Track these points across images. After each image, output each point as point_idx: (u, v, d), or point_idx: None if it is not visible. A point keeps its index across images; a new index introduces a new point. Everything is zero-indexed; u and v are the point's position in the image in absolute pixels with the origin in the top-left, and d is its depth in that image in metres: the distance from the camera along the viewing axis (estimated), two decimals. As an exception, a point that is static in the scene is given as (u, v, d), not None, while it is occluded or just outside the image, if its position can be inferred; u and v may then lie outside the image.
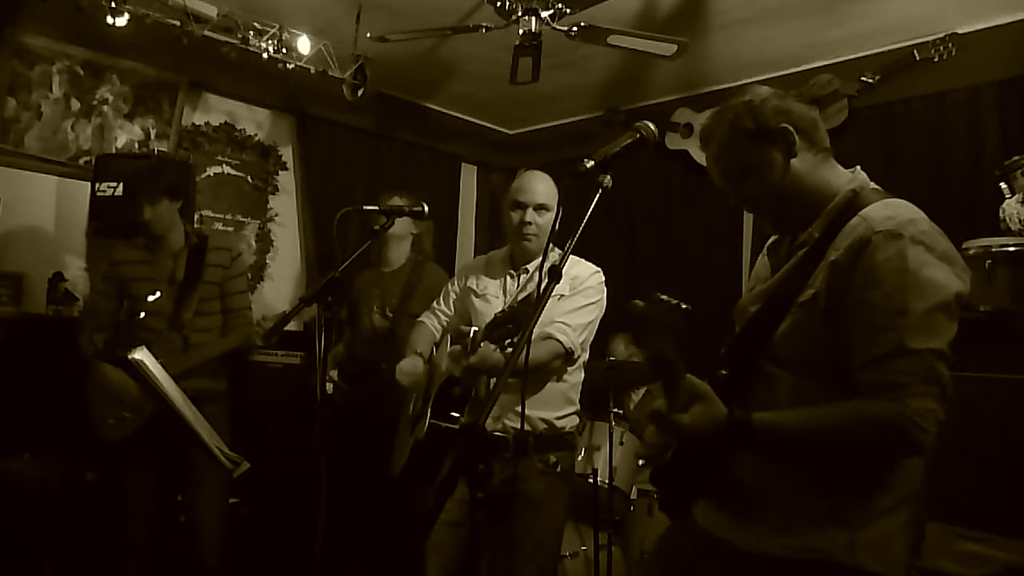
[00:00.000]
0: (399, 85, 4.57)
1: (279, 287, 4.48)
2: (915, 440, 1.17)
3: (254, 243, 4.37)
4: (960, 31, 3.41)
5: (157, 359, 2.13)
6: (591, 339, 2.32)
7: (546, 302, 1.32)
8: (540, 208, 2.27)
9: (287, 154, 4.52)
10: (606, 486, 3.13)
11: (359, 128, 4.68)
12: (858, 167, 1.44)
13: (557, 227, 1.88)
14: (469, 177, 5.63)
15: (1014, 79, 3.29)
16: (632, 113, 4.71)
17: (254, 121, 4.37)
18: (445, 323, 2.52)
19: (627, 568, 3.19)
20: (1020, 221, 2.81)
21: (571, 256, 1.41)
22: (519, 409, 2.10)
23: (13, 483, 2.89)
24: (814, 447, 1.26)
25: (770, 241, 1.58)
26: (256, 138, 4.34)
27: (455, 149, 5.31)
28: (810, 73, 3.88)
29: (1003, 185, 2.92)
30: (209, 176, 4.17)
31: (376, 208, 2.52)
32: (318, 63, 3.70)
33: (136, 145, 3.83)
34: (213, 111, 4.20)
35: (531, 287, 2.27)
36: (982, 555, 2.46)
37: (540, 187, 2.28)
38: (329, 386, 3.17)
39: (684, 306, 1.18)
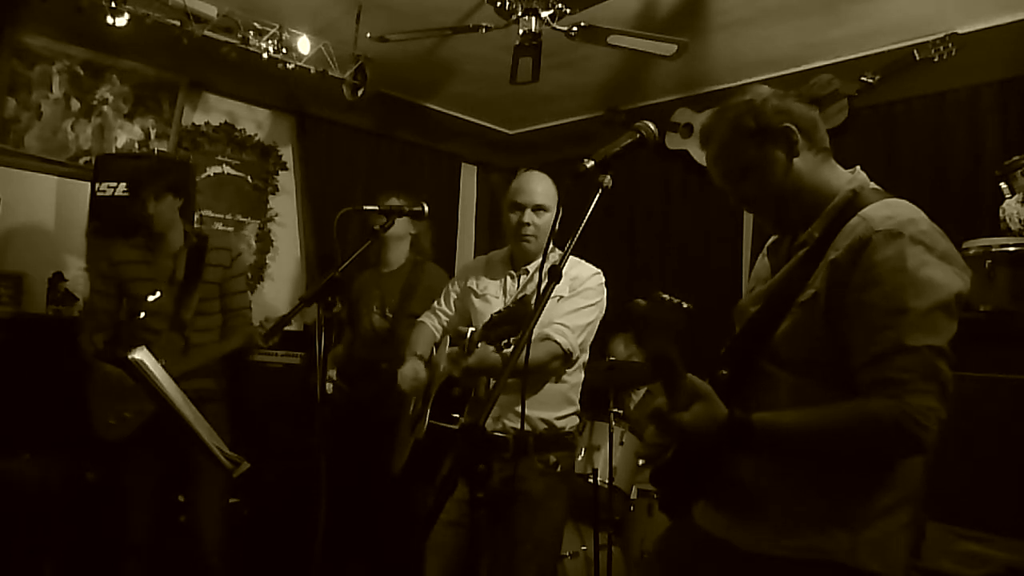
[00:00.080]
0: (399, 85, 4.57)
1: (279, 287, 4.48)
2: (916, 438, 1.17)
3: (254, 243, 4.37)
4: (960, 31, 3.41)
5: (157, 359, 2.13)
6: (591, 340, 2.32)
7: (546, 303, 1.32)
8: (538, 209, 2.27)
9: (287, 154, 4.52)
10: (606, 486, 3.13)
11: (359, 128, 4.68)
12: (858, 167, 1.44)
13: (557, 227, 1.88)
14: (469, 177, 5.63)
15: (1014, 79, 3.29)
16: (632, 113, 4.71)
17: (254, 121, 4.37)
18: (446, 323, 2.52)
19: (627, 568, 3.19)
20: (1020, 221, 2.81)
21: (571, 257, 1.41)
22: (519, 409, 2.11)
23: (13, 483, 2.89)
24: (815, 447, 1.26)
25: (770, 241, 1.58)
26: (256, 138, 4.35)
27: (455, 149, 5.31)
28: (810, 73, 3.88)
29: (1003, 185, 2.92)
30: (209, 176, 4.17)
31: (376, 208, 2.52)
32: (318, 63, 3.70)
33: (136, 145, 3.83)
34: (213, 111, 4.20)
35: (531, 288, 2.27)
36: (982, 555, 2.46)
37: (539, 188, 2.28)
38: (329, 386, 3.17)
39: (685, 305, 1.17)
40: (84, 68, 3.62)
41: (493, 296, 2.35)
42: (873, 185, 1.40)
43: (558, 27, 3.04)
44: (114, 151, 3.71)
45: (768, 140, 1.38)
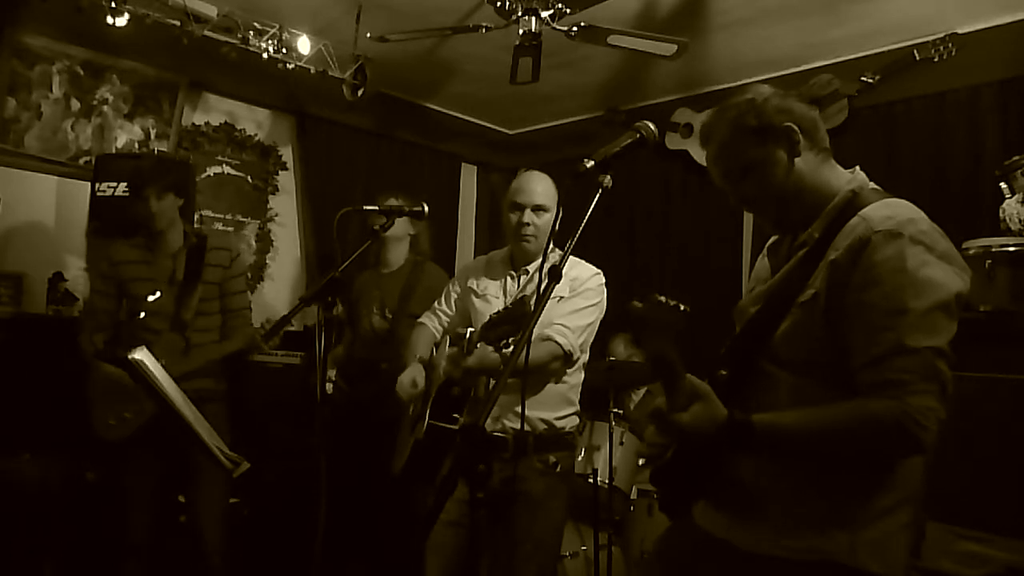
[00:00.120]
0: (399, 85, 4.57)
1: (279, 287, 4.48)
2: (916, 438, 1.17)
3: (254, 243, 4.37)
4: (960, 31, 3.41)
5: (157, 359, 2.13)
6: (591, 340, 2.32)
7: (545, 303, 1.32)
8: (538, 209, 2.26)
9: (287, 154, 4.52)
10: (606, 486, 3.13)
11: (359, 128, 4.68)
12: (857, 167, 1.44)
13: (557, 227, 1.88)
14: (469, 177, 5.63)
15: (1014, 79, 3.29)
16: (632, 113, 4.71)
17: (254, 121, 4.37)
18: (446, 323, 2.52)
19: (627, 568, 3.19)
20: (1020, 221, 2.81)
21: (571, 257, 1.41)
22: (519, 409, 2.11)
23: (13, 483, 2.89)
24: (815, 447, 1.26)
25: (770, 242, 1.58)
26: (256, 138, 4.35)
27: (455, 149, 5.31)
28: (810, 73, 3.88)
29: (1003, 185, 2.92)
30: (209, 176, 4.17)
31: (376, 208, 2.52)
32: (318, 63, 3.70)
33: (136, 145, 3.83)
34: (213, 111, 4.20)
35: (531, 288, 2.27)
36: (982, 555, 2.46)
37: (539, 188, 2.27)
38: (329, 386, 3.17)
39: (683, 307, 1.17)
40: (84, 68, 3.62)
41: (493, 296, 2.35)
42: (873, 185, 1.40)
43: (558, 27, 3.04)
44: (114, 151, 3.71)
45: (769, 139, 1.37)
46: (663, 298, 1.18)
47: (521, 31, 2.99)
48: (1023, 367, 2.55)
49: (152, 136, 3.88)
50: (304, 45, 3.62)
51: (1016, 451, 2.46)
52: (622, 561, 3.19)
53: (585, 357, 2.32)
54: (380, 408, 2.88)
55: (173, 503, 2.90)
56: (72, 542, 2.96)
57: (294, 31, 3.61)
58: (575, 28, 3.06)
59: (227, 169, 4.25)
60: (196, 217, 3.94)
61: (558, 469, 2.23)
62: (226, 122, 4.22)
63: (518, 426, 2.15)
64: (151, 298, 2.65)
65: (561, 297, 2.23)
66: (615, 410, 3.22)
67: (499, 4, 2.96)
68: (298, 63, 3.63)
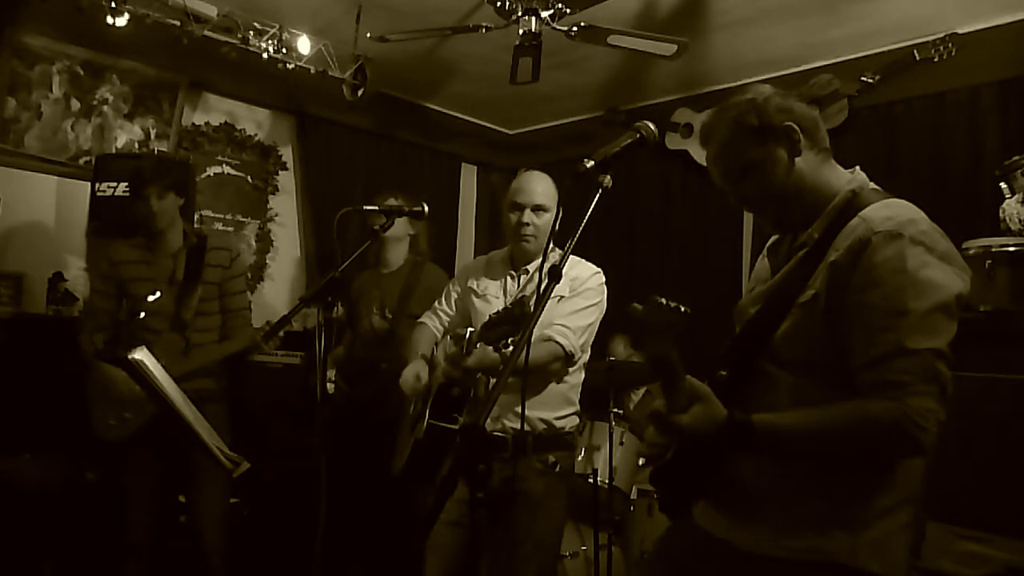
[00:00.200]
0: (399, 85, 4.57)
1: (279, 287, 4.48)
2: (916, 439, 1.17)
3: (254, 243, 4.37)
4: (960, 31, 3.41)
5: (158, 360, 2.13)
6: (591, 340, 2.32)
7: (546, 303, 1.32)
8: (538, 209, 2.26)
9: (287, 154, 4.52)
10: (606, 486, 3.13)
11: (359, 128, 4.68)
12: (857, 167, 1.44)
13: (557, 227, 1.88)
14: (469, 177, 5.63)
15: (1014, 79, 3.29)
16: (632, 113, 4.71)
17: (254, 121, 4.37)
18: (447, 323, 2.52)
19: (627, 568, 3.19)
20: (1020, 221, 2.81)
21: (571, 256, 1.41)
22: (518, 409, 2.11)
23: (13, 483, 2.89)
24: (814, 448, 1.26)
25: (770, 242, 1.58)
26: (256, 138, 4.35)
27: (455, 149, 5.31)
28: (810, 73, 3.88)
29: (1003, 185, 2.92)
30: (209, 176, 4.17)
31: (376, 208, 2.52)
32: (318, 63, 3.70)
33: (136, 145, 3.83)
34: (213, 111, 4.20)
35: (531, 288, 2.27)
36: (982, 555, 2.46)
37: (538, 188, 2.27)
38: (330, 386, 3.18)
39: (683, 308, 1.17)
40: (84, 68, 3.62)
41: (493, 296, 2.35)
42: (873, 185, 1.40)
43: (558, 27, 3.04)
44: (114, 151, 3.71)
45: (770, 139, 1.37)
46: (663, 300, 1.18)
47: (521, 31, 2.99)
48: (1023, 367, 2.55)
49: (152, 136, 3.88)
50: (304, 45, 3.62)
51: (1016, 451, 2.46)
52: (622, 561, 3.20)
53: (586, 357, 2.32)
54: (380, 408, 2.88)
55: (173, 503, 2.90)
56: (72, 542, 2.96)
57: (294, 31, 3.61)
58: (575, 28, 3.06)
59: (227, 169, 4.25)
60: (196, 217, 3.94)
61: (558, 469, 2.23)
62: (226, 122, 4.22)
63: (518, 426, 2.15)
64: (151, 298, 2.65)
65: (561, 297, 2.23)
66: (615, 410, 3.22)
67: (499, 4, 2.96)
68: (298, 63, 3.63)
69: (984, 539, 2.47)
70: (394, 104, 4.76)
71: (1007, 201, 2.89)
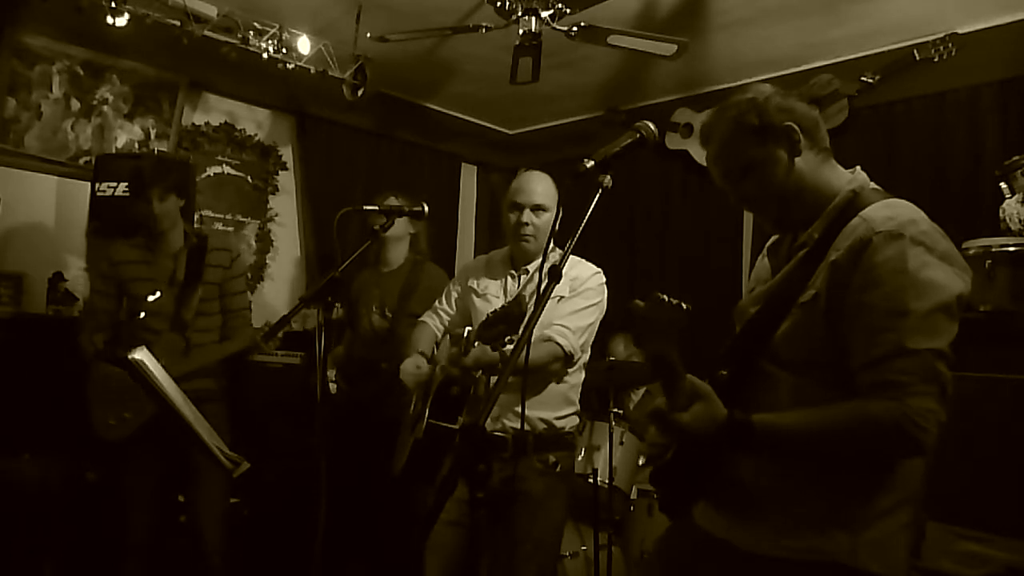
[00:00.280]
0: (399, 85, 4.57)
1: (279, 287, 4.48)
2: (916, 440, 1.17)
3: (254, 243, 4.37)
4: (960, 31, 3.41)
5: (158, 360, 2.13)
6: (591, 341, 2.32)
7: (545, 303, 1.32)
8: (537, 209, 2.26)
9: (287, 154, 4.52)
10: (606, 486, 3.13)
11: (359, 128, 4.68)
12: (858, 167, 1.44)
13: (557, 227, 1.88)
14: (469, 177, 5.63)
15: (1014, 79, 3.29)
16: (632, 113, 4.71)
17: (254, 121, 4.37)
18: (447, 322, 2.52)
19: (627, 568, 3.19)
20: (1020, 221, 2.81)
21: (571, 256, 1.41)
22: (518, 409, 2.11)
23: (13, 483, 2.89)
24: (815, 448, 1.26)
25: (770, 242, 1.58)
26: (256, 138, 4.35)
27: (455, 149, 5.31)
28: (810, 73, 3.88)
29: (1003, 185, 2.92)
30: (209, 176, 4.17)
31: (376, 208, 2.52)
32: (318, 63, 3.69)
33: (136, 145, 3.83)
34: (213, 111, 4.20)
35: (531, 288, 2.27)
36: (982, 555, 2.46)
37: (538, 188, 2.27)
38: (332, 386, 3.18)
39: (685, 306, 1.17)
40: (84, 68, 3.62)
41: (494, 296, 2.35)
42: (873, 185, 1.40)
43: (558, 27, 3.04)
44: (114, 151, 3.71)
45: (770, 139, 1.37)
46: (665, 297, 1.18)
47: (521, 31, 2.99)
48: (1023, 367, 2.55)
49: (152, 136, 3.88)
50: (304, 45, 3.62)
51: (1016, 451, 2.46)
52: (622, 561, 3.19)
53: (585, 357, 2.32)
54: (379, 408, 2.88)
55: (173, 503, 2.90)
56: (72, 542, 2.96)
57: (294, 31, 3.61)
58: (575, 28, 3.06)
59: (227, 169, 4.25)
60: (196, 217, 3.94)
61: (558, 469, 2.23)
62: (226, 122, 4.22)
63: (518, 426, 2.15)
64: (151, 298, 2.65)
65: (561, 297, 2.23)
66: (615, 410, 3.22)
67: (499, 4, 2.96)
68: (298, 63, 3.63)
69: (984, 539, 2.47)
70: (394, 104, 4.76)
71: (1007, 201, 2.89)
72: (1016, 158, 2.88)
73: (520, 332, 1.49)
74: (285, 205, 4.52)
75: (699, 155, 4.18)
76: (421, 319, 2.59)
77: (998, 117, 3.34)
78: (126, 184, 3.17)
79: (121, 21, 3.11)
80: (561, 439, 2.27)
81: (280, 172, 4.48)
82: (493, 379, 2.17)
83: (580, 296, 2.25)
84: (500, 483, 2.13)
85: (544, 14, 2.97)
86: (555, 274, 1.33)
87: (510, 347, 1.89)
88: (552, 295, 1.54)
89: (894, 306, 1.20)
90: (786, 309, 1.33)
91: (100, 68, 3.67)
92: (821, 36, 3.62)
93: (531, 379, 2.12)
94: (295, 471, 3.33)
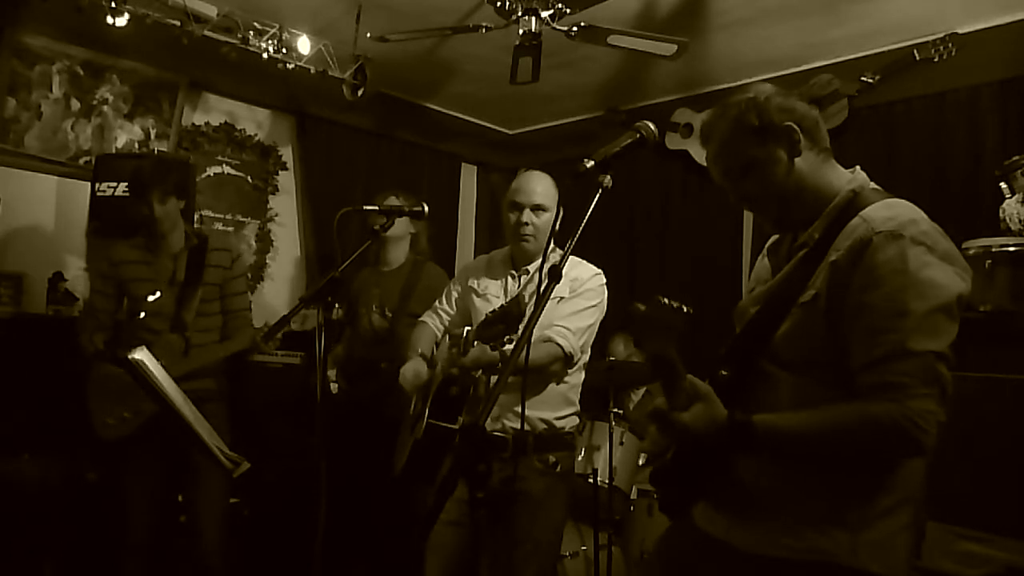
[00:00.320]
0: (399, 85, 4.57)
1: (279, 287, 4.48)
2: (916, 441, 1.17)
3: (254, 243, 4.37)
4: (960, 31, 3.41)
5: (158, 360, 2.13)
6: (591, 341, 2.32)
7: (545, 303, 1.32)
8: (537, 209, 2.26)
9: (287, 154, 4.52)
10: (606, 486, 3.13)
11: (359, 128, 4.68)
12: (857, 167, 1.44)
13: (558, 227, 1.88)
14: (469, 177, 5.63)
15: (1014, 79, 3.29)
16: (632, 113, 4.71)
17: (254, 121, 4.37)
18: (447, 322, 2.52)
19: (627, 568, 3.19)
20: (1020, 221, 2.81)
21: (571, 257, 1.41)
22: (518, 409, 2.11)
23: (13, 483, 2.89)
24: (815, 449, 1.26)
25: (770, 242, 1.58)
26: (256, 138, 4.34)
27: (455, 149, 5.31)
28: (810, 73, 3.88)
29: (1003, 185, 2.92)
30: (209, 176, 4.17)
31: (376, 208, 2.52)
32: (318, 63, 3.69)
33: (136, 145, 3.83)
34: (213, 111, 4.20)
35: (532, 288, 2.27)
36: (982, 555, 2.46)
37: (538, 188, 2.27)
38: (334, 386, 3.18)
39: (686, 309, 1.17)
40: (84, 68, 3.62)
41: (494, 296, 2.35)
42: (873, 185, 1.40)
43: (558, 27, 3.04)
44: (114, 151, 3.71)
45: (770, 138, 1.37)
46: (665, 300, 1.18)
47: (521, 31, 2.99)
48: (1023, 367, 2.55)
49: (152, 136, 3.88)
50: (304, 45, 3.62)
51: (1016, 451, 2.46)
52: (622, 561, 3.19)
53: (585, 357, 2.32)
54: (379, 408, 2.88)
55: (173, 503, 2.90)
56: (72, 542, 2.96)
57: (294, 31, 3.61)
58: (575, 28, 3.06)
59: (227, 169, 4.25)
60: (196, 217, 3.94)
61: (558, 469, 2.23)
62: (226, 122, 4.22)
63: (518, 426, 2.15)
64: (151, 298, 2.65)
65: (561, 298, 2.23)
66: (615, 410, 3.22)
67: (499, 4, 2.96)
68: (298, 63, 3.63)
69: (984, 539, 2.47)
70: (394, 104, 4.76)
71: (1007, 201, 2.89)
72: (1016, 158, 2.88)
73: (520, 332, 1.49)
74: (285, 205, 4.52)
75: (699, 155, 4.18)
76: (421, 319, 2.59)
77: (998, 117, 3.34)
78: (126, 184, 3.16)
79: (121, 21, 3.11)
80: (561, 439, 2.27)
81: (280, 172, 4.48)
82: (493, 379, 2.17)
83: (580, 297, 2.25)
84: (500, 483, 2.13)
85: (544, 14, 2.97)
86: (555, 274, 1.33)
87: (510, 347, 1.89)
88: (552, 296, 1.54)
89: (895, 306, 1.20)
90: (786, 309, 1.33)
91: (100, 68, 3.67)
92: (821, 36, 3.62)
93: (531, 379, 2.12)
94: (295, 471, 3.33)
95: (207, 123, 4.15)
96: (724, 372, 1.38)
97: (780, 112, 1.37)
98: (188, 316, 2.65)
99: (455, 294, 2.53)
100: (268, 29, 3.53)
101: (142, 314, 2.65)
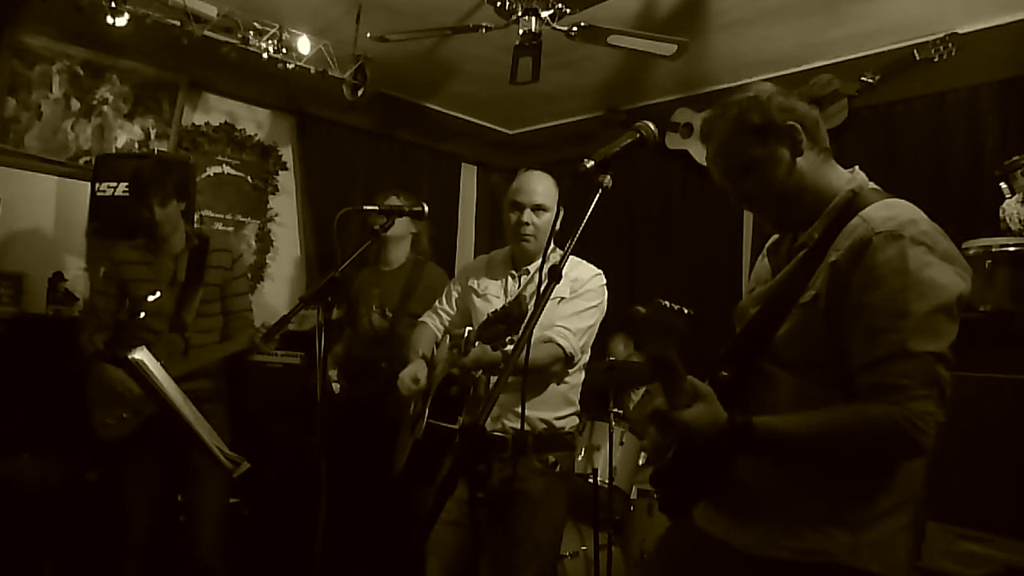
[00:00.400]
0: (399, 85, 4.57)
1: (279, 287, 4.48)
2: (916, 442, 1.17)
3: (254, 243, 4.37)
4: (960, 31, 3.40)
5: (158, 360, 2.13)
6: (591, 342, 2.32)
7: (545, 303, 1.32)
8: (537, 209, 2.26)
9: (287, 154, 4.52)
10: (606, 486, 3.13)
11: (359, 128, 4.68)
12: (856, 167, 1.44)
13: (558, 227, 1.88)
14: (469, 177, 5.63)
15: (1014, 79, 3.29)
16: (632, 113, 4.71)
17: (254, 121, 4.37)
18: (447, 322, 2.52)
19: (627, 568, 3.19)
20: (1020, 221, 2.81)
21: (572, 257, 1.41)
22: (518, 409, 2.11)
23: (13, 483, 2.89)
24: (815, 450, 1.26)
25: (770, 242, 1.58)
26: (256, 138, 4.34)
27: (455, 149, 5.31)
28: (810, 73, 3.88)
29: (1003, 185, 2.92)
30: (209, 176, 4.17)
31: (376, 208, 2.52)
32: (318, 63, 3.69)
33: (136, 145, 3.83)
34: (213, 111, 4.20)
35: (532, 288, 2.27)
36: (982, 555, 2.46)
37: (539, 188, 2.27)
38: (336, 387, 3.18)
39: (686, 311, 1.17)
40: (84, 68, 3.62)
41: (494, 296, 2.35)
42: (872, 185, 1.40)
43: (558, 27, 3.04)
44: (114, 151, 3.71)
45: (772, 138, 1.36)
46: (666, 302, 1.18)
47: (521, 31, 2.99)
48: (1023, 367, 2.55)
49: (152, 136, 3.88)
50: (304, 45, 3.62)
51: (1016, 451, 2.46)
52: (622, 561, 3.20)
53: (586, 358, 2.32)
54: (379, 408, 2.88)
55: (173, 503, 2.90)
56: (72, 542, 2.96)
57: (294, 31, 3.61)
58: (575, 28, 3.06)
59: (227, 169, 4.25)
60: (196, 217, 3.94)
61: (558, 469, 2.23)
62: (226, 122, 4.22)
63: (518, 426, 2.15)
64: (151, 298, 2.65)
65: (562, 298, 2.23)
66: (615, 410, 3.22)
67: (499, 4, 2.96)
68: (298, 63, 3.63)
69: (984, 539, 2.48)
70: (394, 104, 4.76)
71: (1007, 201, 2.89)
72: (1016, 158, 2.88)
73: (520, 332, 1.49)
74: (285, 205, 4.52)
75: (699, 155, 4.18)
76: (421, 319, 2.58)
77: (998, 117, 3.34)
78: (126, 184, 3.16)
79: (121, 21, 3.11)
80: (561, 439, 2.27)
81: (280, 172, 4.47)
82: (493, 379, 2.17)
83: (581, 297, 2.25)
84: (500, 483, 2.13)
85: (544, 14, 2.97)
86: (555, 274, 1.33)
87: (510, 347, 1.89)
88: (553, 296, 1.54)
89: (895, 307, 1.20)
90: (786, 310, 1.33)
91: (100, 68, 3.67)
92: (821, 36, 3.62)
93: (531, 380, 2.12)
94: (295, 471, 3.33)
95: (207, 123, 4.15)
96: (724, 373, 1.38)
97: (782, 111, 1.36)
98: (188, 316, 2.65)
99: (455, 294, 2.53)
100: (268, 29, 3.53)
101: (142, 314, 2.65)
